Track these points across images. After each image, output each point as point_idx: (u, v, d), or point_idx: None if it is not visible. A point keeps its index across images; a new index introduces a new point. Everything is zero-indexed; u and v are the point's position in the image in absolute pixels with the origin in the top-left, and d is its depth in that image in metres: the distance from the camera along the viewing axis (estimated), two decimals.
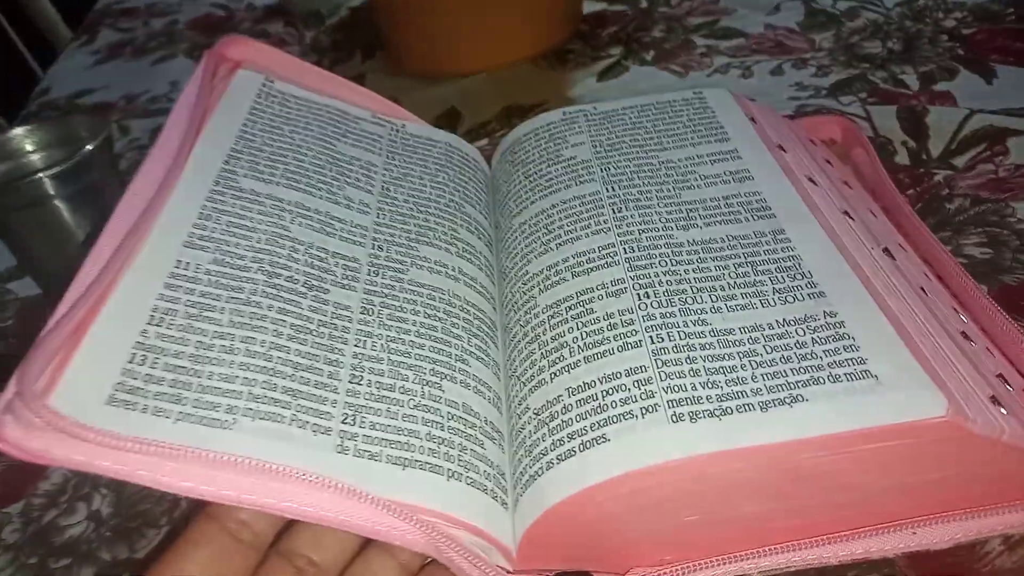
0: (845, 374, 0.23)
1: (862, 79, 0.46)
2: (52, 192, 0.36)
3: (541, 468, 0.23)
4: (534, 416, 0.25)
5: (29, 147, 0.39)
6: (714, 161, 0.32)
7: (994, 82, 0.43)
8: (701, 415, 0.22)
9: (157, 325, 0.23)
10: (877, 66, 0.47)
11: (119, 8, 0.89)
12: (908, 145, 0.40)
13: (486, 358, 0.28)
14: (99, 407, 0.20)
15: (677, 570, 0.24)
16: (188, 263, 0.25)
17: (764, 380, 0.23)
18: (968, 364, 0.24)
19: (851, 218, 0.31)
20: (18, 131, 0.39)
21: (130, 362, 0.22)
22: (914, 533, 0.23)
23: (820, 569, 0.24)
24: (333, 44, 0.67)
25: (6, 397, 0.19)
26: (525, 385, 0.26)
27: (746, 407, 0.22)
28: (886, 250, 0.30)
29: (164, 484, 0.20)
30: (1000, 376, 0.25)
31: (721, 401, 0.23)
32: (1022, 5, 0.50)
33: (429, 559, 0.23)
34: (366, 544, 0.24)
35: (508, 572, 0.24)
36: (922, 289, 0.28)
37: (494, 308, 0.31)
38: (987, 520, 0.23)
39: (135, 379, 0.21)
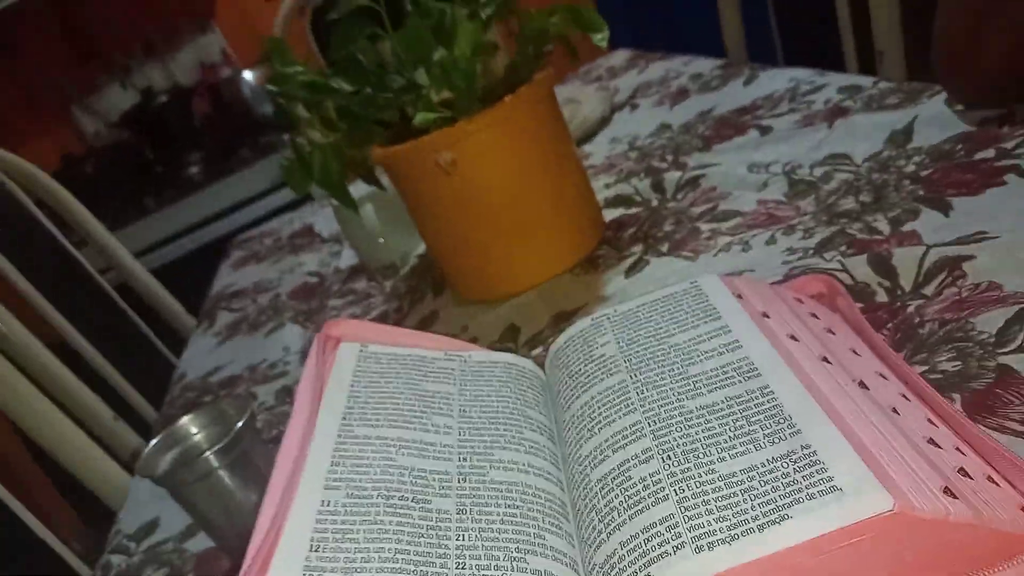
0: (819, 491, 0.30)
1: (842, 234, 0.54)
2: (216, 465, 0.47)
3: None
4: (599, 569, 0.32)
5: (194, 430, 0.51)
6: (710, 338, 0.41)
7: (950, 214, 0.51)
8: (716, 544, 0.29)
9: (315, 551, 0.32)
10: (853, 219, 0.55)
11: (230, 292, 1.07)
12: (884, 285, 0.47)
13: (559, 531, 0.36)
14: None
15: None
16: (329, 501, 0.35)
17: (760, 508, 0.30)
18: (926, 465, 0.31)
19: (829, 362, 0.38)
20: (184, 420, 0.51)
21: None
22: None
23: None
24: (408, 289, 0.80)
25: None
26: (591, 547, 0.34)
27: (748, 531, 0.29)
28: (861, 383, 0.37)
29: None
30: (961, 470, 0.32)
31: (730, 530, 0.30)
32: (970, 140, 0.58)
33: None
34: None
35: None
36: (893, 409, 0.35)
37: (562, 489, 0.39)
38: None
39: None
